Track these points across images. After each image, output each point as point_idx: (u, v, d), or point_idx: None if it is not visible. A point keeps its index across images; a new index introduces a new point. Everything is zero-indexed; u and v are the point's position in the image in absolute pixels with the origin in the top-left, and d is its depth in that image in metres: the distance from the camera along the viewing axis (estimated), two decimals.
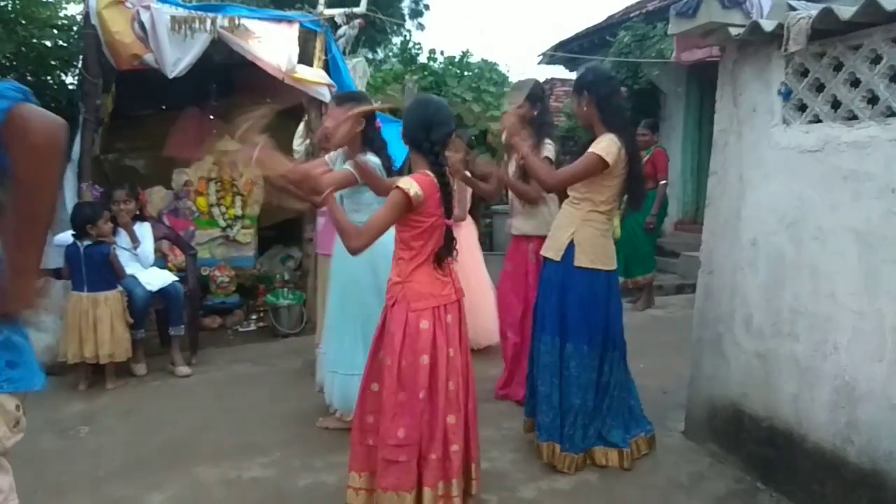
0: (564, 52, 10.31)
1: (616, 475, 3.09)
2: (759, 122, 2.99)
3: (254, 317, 5.96)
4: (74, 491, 2.97)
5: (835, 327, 2.63)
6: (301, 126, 5.67)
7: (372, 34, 12.60)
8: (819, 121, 2.73)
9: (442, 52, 9.13)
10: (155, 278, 4.52)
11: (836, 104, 2.68)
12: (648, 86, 8.96)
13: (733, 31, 2.93)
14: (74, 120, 5.26)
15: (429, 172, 2.45)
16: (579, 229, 3.08)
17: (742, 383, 3.10)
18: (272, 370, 4.64)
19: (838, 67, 2.65)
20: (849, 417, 2.57)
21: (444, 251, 2.52)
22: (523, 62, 33.95)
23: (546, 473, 3.11)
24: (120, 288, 4.27)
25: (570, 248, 3.08)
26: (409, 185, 2.36)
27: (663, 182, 6.31)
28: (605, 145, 2.98)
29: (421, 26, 16.38)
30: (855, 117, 2.58)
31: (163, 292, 4.48)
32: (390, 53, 12.88)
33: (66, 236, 4.33)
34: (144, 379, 4.46)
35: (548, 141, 3.67)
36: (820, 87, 2.74)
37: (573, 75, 11.53)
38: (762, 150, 2.97)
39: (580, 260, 3.06)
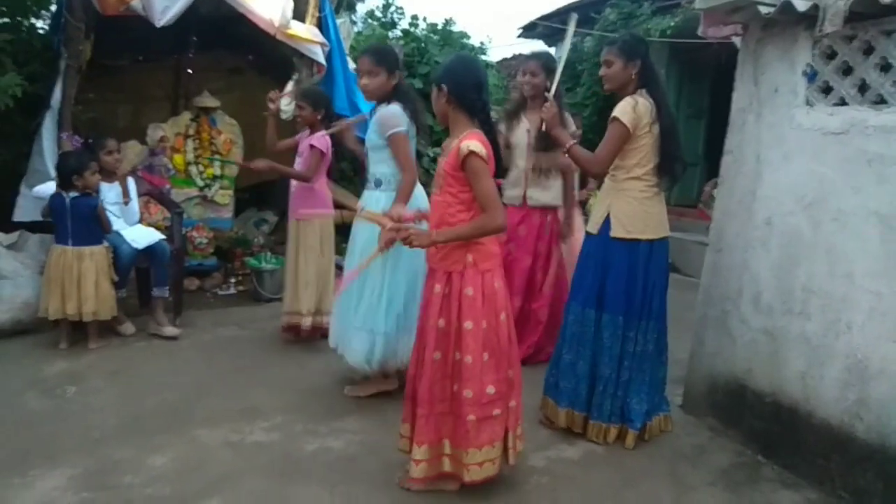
0: (546, 26, 10.21)
1: (621, 446, 3.13)
2: (781, 103, 3.00)
3: (233, 280, 5.81)
4: (70, 451, 2.85)
5: (849, 307, 2.69)
6: (290, 85, 5.47)
7: None
8: (844, 103, 2.77)
9: (424, 19, 8.99)
10: (140, 236, 4.32)
11: (862, 87, 2.72)
12: None
13: (763, 9, 2.92)
14: (51, 66, 4.99)
15: (477, 131, 2.42)
16: (614, 200, 3.03)
17: (747, 359, 3.16)
18: (260, 334, 4.53)
19: (868, 51, 2.68)
20: (859, 395, 2.64)
21: None
22: (497, 34, 33.51)
23: (553, 442, 3.13)
24: (106, 243, 4.09)
25: (607, 220, 3.04)
26: (477, 147, 2.32)
27: None
28: (621, 107, 2.93)
29: None
30: (883, 101, 2.62)
31: (149, 250, 4.29)
32: (366, 17, 12.58)
33: (48, 187, 4.11)
34: (128, 339, 4.29)
35: (567, 114, 3.62)
36: (847, 70, 2.77)
37: (552, 50, 11.47)
38: (783, 130, 2.99)
39: (616, 231, 3.02)
